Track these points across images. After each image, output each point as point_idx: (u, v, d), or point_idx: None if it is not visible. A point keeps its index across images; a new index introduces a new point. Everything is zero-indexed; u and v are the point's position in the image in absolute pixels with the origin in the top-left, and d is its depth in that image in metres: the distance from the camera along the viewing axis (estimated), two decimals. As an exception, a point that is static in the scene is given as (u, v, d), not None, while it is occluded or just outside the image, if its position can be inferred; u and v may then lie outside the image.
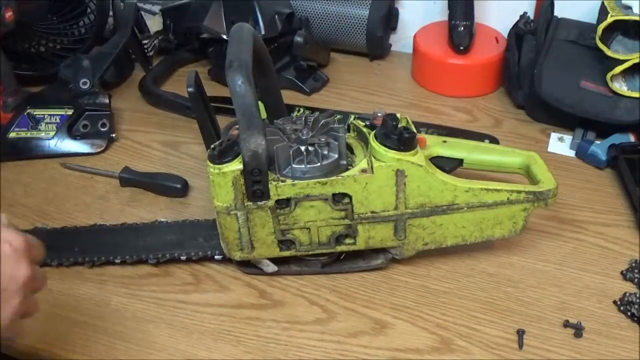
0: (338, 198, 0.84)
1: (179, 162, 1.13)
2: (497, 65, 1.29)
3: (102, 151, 1.15)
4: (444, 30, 1.33)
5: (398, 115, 0.85)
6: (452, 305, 0.88)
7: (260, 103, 0.86)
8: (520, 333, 0.84)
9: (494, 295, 0.90)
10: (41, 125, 1.15)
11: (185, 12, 1.36)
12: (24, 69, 1.30)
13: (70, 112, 1.16)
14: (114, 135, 1.17)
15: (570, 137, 1.17)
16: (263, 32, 1.27)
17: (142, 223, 0.98)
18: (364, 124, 0.90)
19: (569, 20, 1.25)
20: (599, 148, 1.11)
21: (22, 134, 1.14)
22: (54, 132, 1.14)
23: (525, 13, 1.25)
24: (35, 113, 1.15)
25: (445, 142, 0.94)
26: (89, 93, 1.17)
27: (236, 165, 0.81)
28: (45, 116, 1.15)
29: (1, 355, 0.85)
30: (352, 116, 1.20)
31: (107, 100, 1.18)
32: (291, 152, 0.81)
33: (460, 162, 0.93)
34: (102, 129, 1.16)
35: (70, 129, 1.15)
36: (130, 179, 1.07)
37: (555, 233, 0.99)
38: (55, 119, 1.15)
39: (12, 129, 1.14)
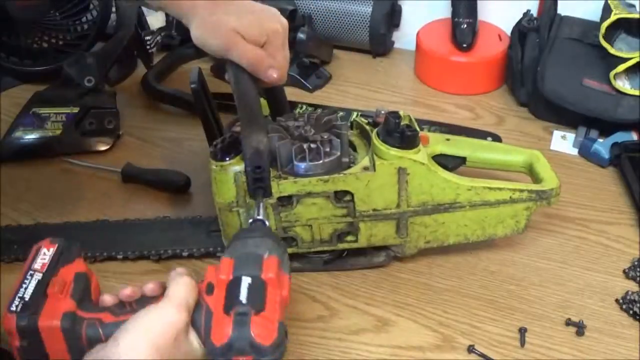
0: (340, 195, 0.84)
1: (181, 158, 1.13)
2: (500, 63, 1.29)
3: (108, 148, 1.15)
4: (447, 27, 1.32)
5: (401, 112, 0.85)
6: (454, 303, 0.88)
7: (262, 100, 0.86)
8: (522, 331, 0.84)
9: (496, 293, 0.90)
10: (47, 124, 1.14)
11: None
12: (26, 65, 1.30)
13: (76, 110, 1.15)
14: (120, 133, 1.17)
15: (573, 135, 1.17)
16: (266, 29, 1.27)
17: (144, 219, 0.98)
18: (366, 121, 0.90)
19: (572, 18, 1.25)
20: (602, 146, 1.11)
21: (28, 133, 1.14)
22: (60, 131, 1.14)
23: (528, 11, 1.25)
24: (40, 112, 1.15)
25: (448, 140, 0.94)
26: (94, 91, 1.17)
27: (238, 162, 0.81)
28: (51, 115, 1.15)
29: (2, 351, 0.85)
30: (355, 113, 1.20)
31: (112, 98, 1.18)
32: (293, 149, 0.81)
33: (463, 160, 0.93)
34: (108, 127, 1.16)
35: (76, 127, 1.15)
36: (133, 175, 1.07)
37: (558, 231, 0.99)
38: (61, 118, 1.15)
39: (17, 127, 1.14)
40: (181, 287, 0.62)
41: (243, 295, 0.60)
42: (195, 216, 0.98)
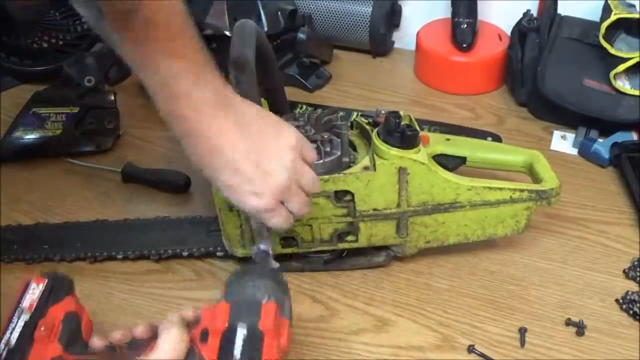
0: (340, 195, 0.84)
1: (181, 158, 1.12)
2: (500, 63, 1.29)
3: (108, 148, 1.15)
4: (447, 27, 1.32)
5: (401, 112, 0.85)
6: (454, 303, 0.88)
7: (263, 100, 0.86)
8: (522, 331, 0.84)
9: (496, 293, 0.90)
10: (47, 124, 1.14)
11: (187, 8, 1.35)
12: (26, 65, 1.30)
13: (75, 110, 1.15)
14: (120, 132, 1.17)
15: (573, 135, 1.17)
16: (266, 29, 1.27)
17: (144, 219, 0.98)
18: (366, 121, 0.90)
19: (572, 18, 1.25)
20: (602, 146, 1.11)
21: (28, 133, 1.13)
22: (60, 131, 1.13)
23: (528, 11, 1.25)
24: (40, 112, 1.15)
25: (448, 140, 0.93)
26: (93, 91, 1.16)
27: None
28: (51, 115, 1.15)
29: None
30: (355, 113, 1.20)
31: (112, 98, 1.17)
32: None
33: (463, 160, 0.93)
34: (108, 127, 1.15)
35: (76, 127, 1.14)
36: (133, 175, 1.07)
37: (558, 231, 0.99)
38: (61, 117, 1.14)
39: (17, 127, 1.14)
40: (172, 340, 0.60)
41: (237, 350, 0.58)
42: (195, 216, 0.98)
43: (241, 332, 0.59)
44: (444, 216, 0.87)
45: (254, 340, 0.59)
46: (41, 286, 0.67)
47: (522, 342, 0.83)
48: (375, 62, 1.41)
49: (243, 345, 0.58)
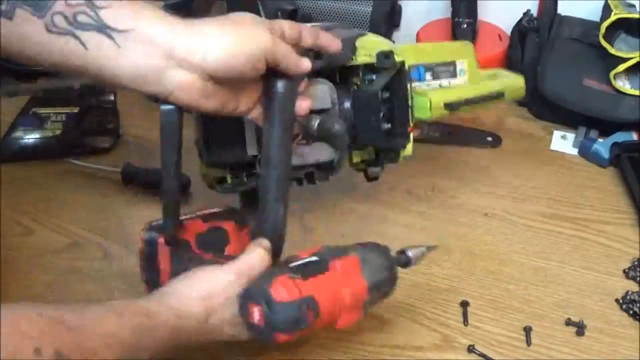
0: None
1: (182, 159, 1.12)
2: (500, 63, 1.29)
3: (108, 148, 1.15)
4: (447, 27, 1.32)
5: None
6: (454, 302, 0.88)
7: None
8: (528, 330, 0.84)
9: (496, 293, 0.90)
10: (47, 124, 1.14)
11: (187, 8, 1.35)
12: (26, 65, 1.29)
13: (75, 110, 1.15)
14: (120, 132, 1.16)
15: (573, 135, 1.17)
16: (266, 29, 1.27)
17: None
18: None
19: (572, 18, 1.25)
20: (602, 146, 1.11)
21: (28, 133, 1.13)
22: (60, 131, 1.13)
23: (528, 11, 1.25)
24: (40, 112, 1.15)
25: None
26: (93, 91, 1.17)
27: None
28: (51, 115, 1.15)
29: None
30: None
31: (112, 98, 1.17)
32: None
33: None
34: (108, 127, 1.15)
35: (76, 127, 1.14)
36: (133, 175, 1.07)
37: (558, 231, 0.99)
38: (61, 117, 1.14)
39: (17, 127, 1.14)
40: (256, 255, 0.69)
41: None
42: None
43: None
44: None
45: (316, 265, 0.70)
46: None
47: (528, 341, 0.83)
48: (375, 62, 1.41)
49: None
